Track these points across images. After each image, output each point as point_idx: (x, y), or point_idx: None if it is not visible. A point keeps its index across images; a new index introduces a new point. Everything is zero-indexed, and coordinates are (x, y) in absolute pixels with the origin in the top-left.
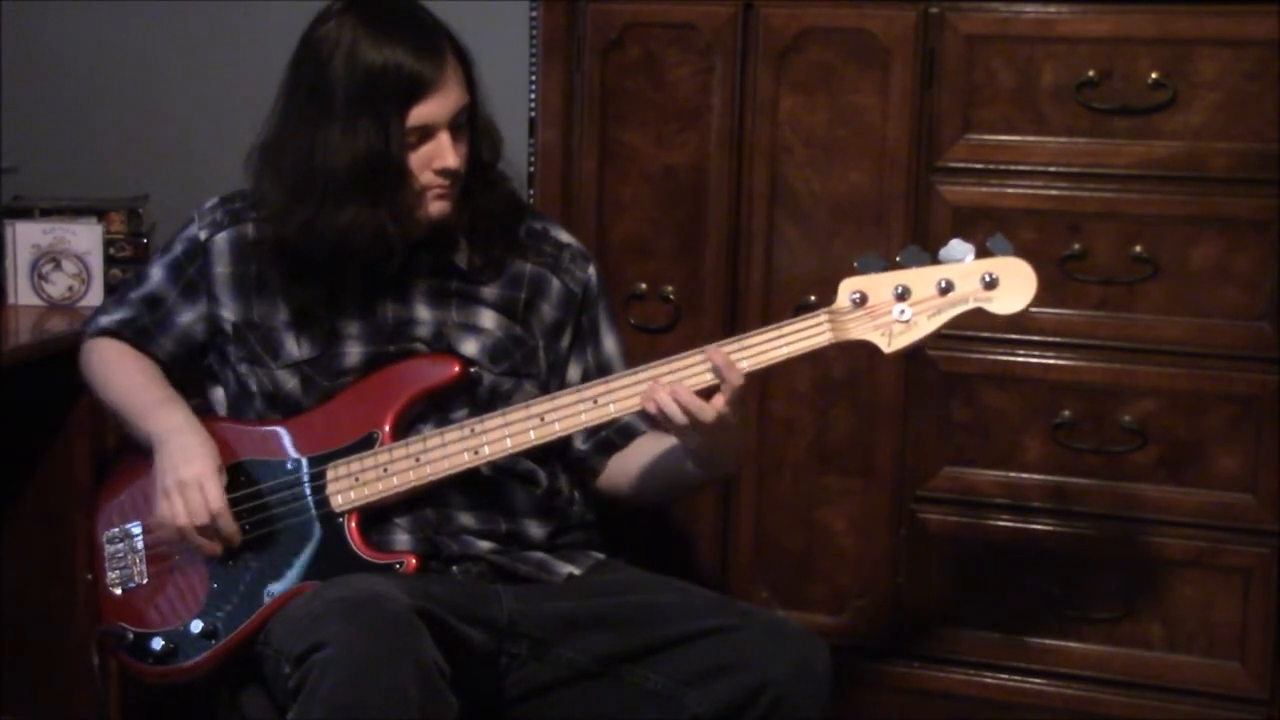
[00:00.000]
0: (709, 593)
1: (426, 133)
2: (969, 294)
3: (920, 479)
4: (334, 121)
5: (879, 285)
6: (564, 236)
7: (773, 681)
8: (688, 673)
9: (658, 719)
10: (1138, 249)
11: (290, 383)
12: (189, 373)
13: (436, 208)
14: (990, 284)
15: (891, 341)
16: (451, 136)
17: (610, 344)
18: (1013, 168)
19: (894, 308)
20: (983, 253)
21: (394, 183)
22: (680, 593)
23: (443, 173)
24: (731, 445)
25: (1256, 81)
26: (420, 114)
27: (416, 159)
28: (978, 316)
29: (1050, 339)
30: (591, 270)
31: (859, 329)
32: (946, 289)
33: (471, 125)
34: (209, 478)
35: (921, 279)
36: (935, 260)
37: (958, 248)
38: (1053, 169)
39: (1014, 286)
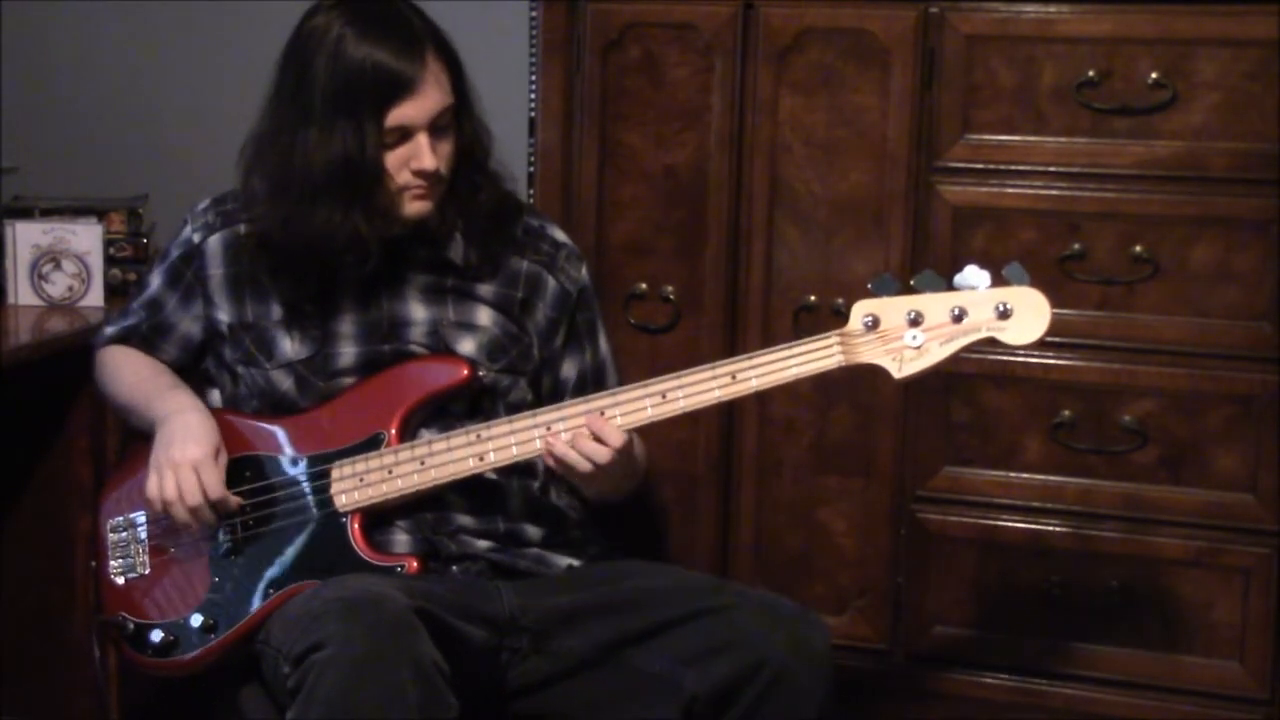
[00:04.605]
0: (705, 575)
1: (405, 134)
2: (982, 323)
3: (920, 479)
4: (312, 123)
5: (892, 309)
6: (559, 235)
7: (771, 659)
8: (686, 653)
9: (657, 701)
10: (1138, 249)
11: (285, 383)
12: (191, 376)
13: (415, 207)
14: (1004, 314)
15: (902, 367)
16: (431, 138)
17: (604, 345)
18: (1013, 168)
19: (906, 333)
20: (998, 280)
21: (369, 185)
22: (676, 575)
23: (420, 173)
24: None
25: (1256, 81)
26: (398, 115)
27: (395, 159)
28: None
29: (1050, 339)
30: (585, 271)
31: (870, 353)
32: (960, 316)
33: (459, 126)
34: (205, 462)
35: (935, 305)
36: (950, 286)
37: (973, 274)
38: (1053, 169)
39: (1028, 318)
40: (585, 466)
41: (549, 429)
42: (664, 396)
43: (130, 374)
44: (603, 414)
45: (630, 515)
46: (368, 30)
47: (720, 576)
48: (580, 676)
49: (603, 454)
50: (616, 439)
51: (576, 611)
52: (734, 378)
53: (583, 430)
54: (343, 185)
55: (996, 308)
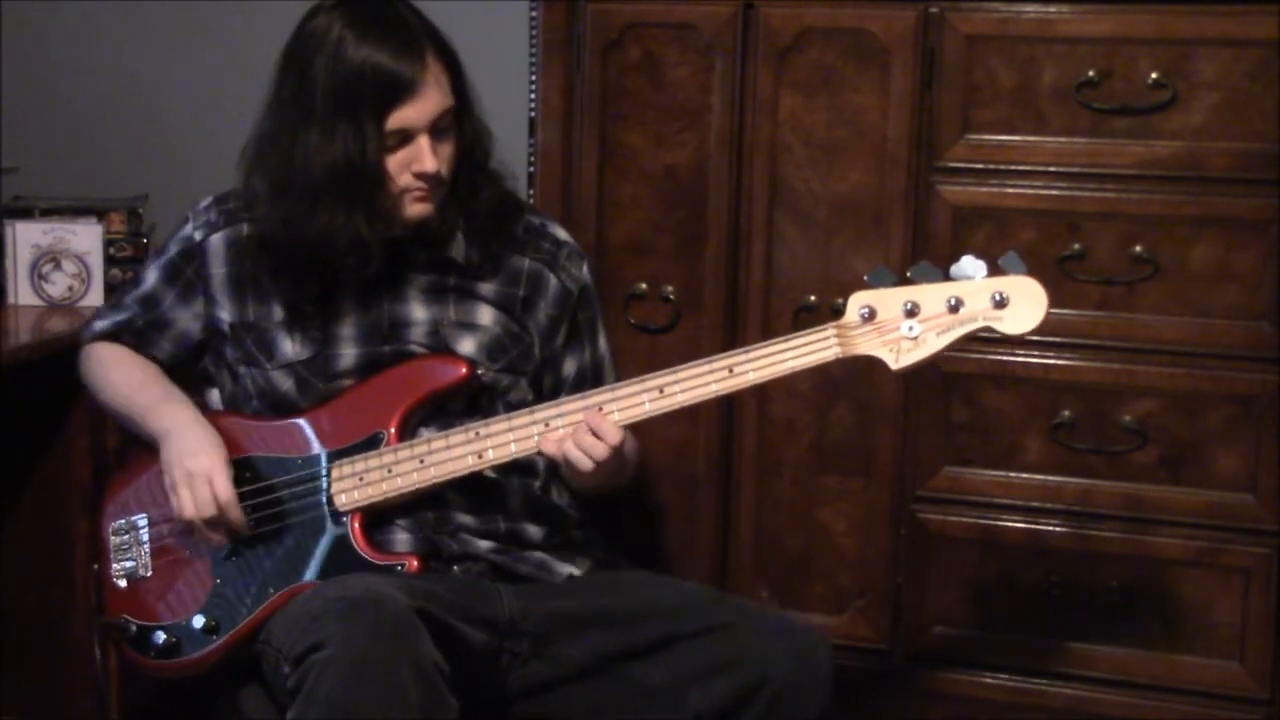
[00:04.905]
0: (710, 590)
1: (406, 136)
2: (979, 312)
3: (920, 479)
4: (313, 124)
5: (888, 300)
6: (561, 233)
7: (774, 677)
8: (689, 669)
9: (659, 716)
10: (1138, 249)
11: (285, 384)
12: (186, 374)
13: (416, 210)
14: (1000, 303)
15: (899, 358)
16: (432, 140)
17: (603, 343)
18: (1013, 168)
19: (903, 324)
20: (994, 270)
21: (370, 187)
22: (681, 590)
23: (421, 176)
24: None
25: (1256, 81)
26: (399, 118)
27: (396, 161)
28: None
29: (1050, 339)
30: (586, 269)
31: (867, 344)
32: (956, 307)
33: (459, 127)
34: (217, 470)
35: (931, 295)
36: (946, 276)
37: (969, 265)
38: (1053, 169)
39: (1024, 306)
40: (584, 463)
41: (547, 425)
42: (661, 391)
43: (122, 378)
44: (600, 409)
45: (630, 515)
46: (368, 32)
47: (720, 578)
48: (581, 685)
49: (600, 450)
50: (614, 436)
51: (577, 619)
52: (731, 371)
53: (582, 425)
54: (343, 188)
55: (993, 297)
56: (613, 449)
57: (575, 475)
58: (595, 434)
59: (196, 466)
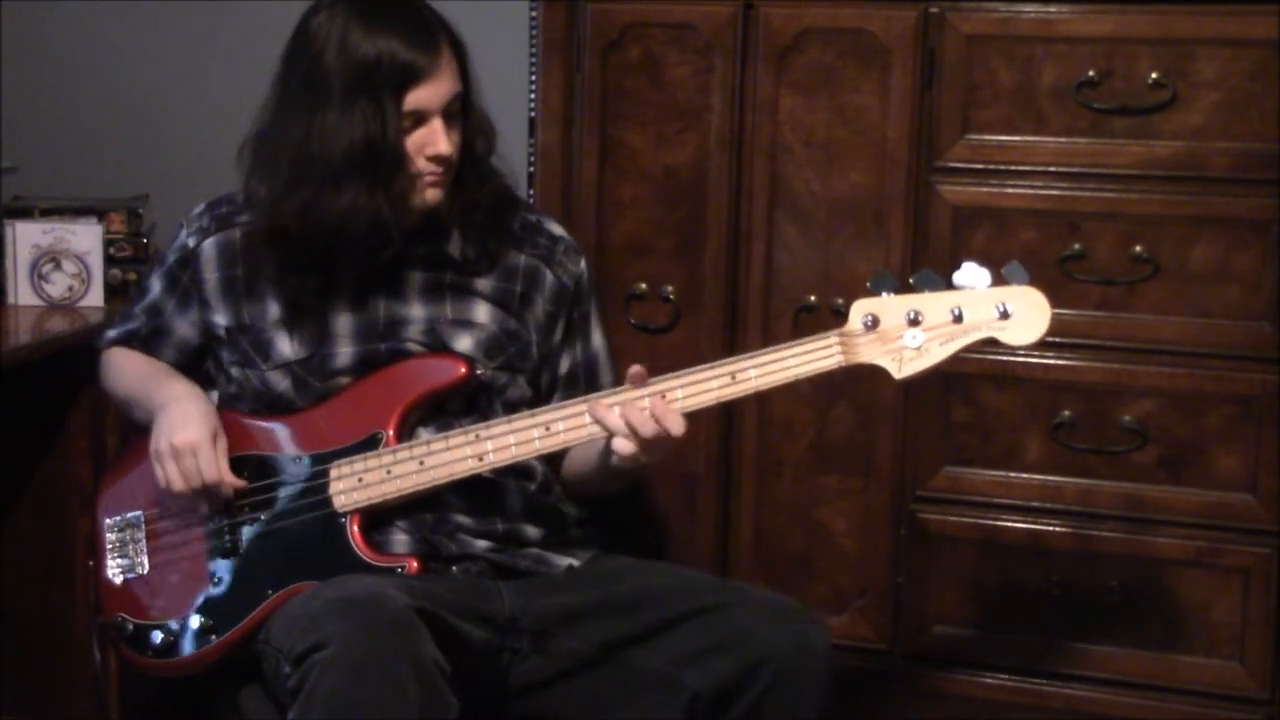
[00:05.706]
0: (704, 573)
1: (420, 118)
2: (982, 323)
3: (920, 479)
4: (330, 107)
5: (892, 309)
6: (556, 229)
7: (772, 657)
8: (686, 652)
9: (658, 701)
10: (1138, 249)
11: (282, 384)
12: (195, 380)
13: (429, 195)
14: (1004, 314)
15: (902, 367)
16: (444, 124)
17: (597, 339)
18: (1013, 168)
19: (906, 333)
20: (997, 279)
21: (391, 167)
22: (676, 575)
23: (435, 159)
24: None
25: (1256, 81)
26: (414, 99)
27: (410, 145)
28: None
29: (1050, 339)
30: (583, 264)
31: (870, 353)
32: (960, 316)
33: (465, 116)
34: (202, 444)
35: (935, 304)
36: (949, 284)
37: (972, 273)
38: (1053, 169)
39: (1028, 317)
40: (645, 428)
41: (548, 429)
42: (663, 396)
43: (131, 370)
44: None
45: (630, 515)
46: (375, 21)
47: (719, 575)
48: (581, 676)
49: (679, 426)
50: (678, 427)
51: (576, 611)
52: (734, 377)
53: (648, 408)
54: (364, 167)
55: (997, 307)
56: (675, 437)
57: (640, 451)
58: (658, 420)
59: (181, 440)
